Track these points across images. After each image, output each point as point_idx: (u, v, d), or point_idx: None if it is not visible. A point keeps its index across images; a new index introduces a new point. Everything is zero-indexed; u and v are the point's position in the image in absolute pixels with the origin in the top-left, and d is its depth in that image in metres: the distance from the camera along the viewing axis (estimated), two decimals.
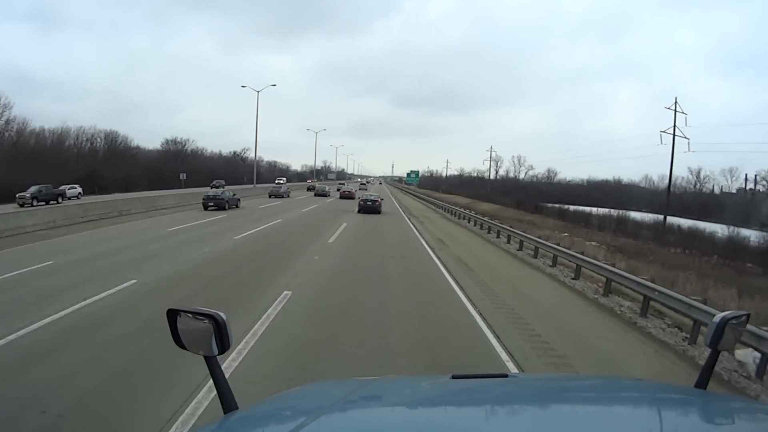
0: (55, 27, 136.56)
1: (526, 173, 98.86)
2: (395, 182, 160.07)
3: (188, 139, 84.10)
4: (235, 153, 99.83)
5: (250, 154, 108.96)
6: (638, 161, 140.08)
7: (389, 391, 1.64)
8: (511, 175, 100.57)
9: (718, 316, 1.53)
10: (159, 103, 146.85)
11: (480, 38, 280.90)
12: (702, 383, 1.52)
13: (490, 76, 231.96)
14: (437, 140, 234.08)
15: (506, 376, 1.82)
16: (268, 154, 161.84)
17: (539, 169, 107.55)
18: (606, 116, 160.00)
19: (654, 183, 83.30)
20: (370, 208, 29.27)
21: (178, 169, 58.36)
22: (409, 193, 78.21)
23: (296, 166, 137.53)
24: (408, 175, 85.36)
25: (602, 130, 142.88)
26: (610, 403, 1.45)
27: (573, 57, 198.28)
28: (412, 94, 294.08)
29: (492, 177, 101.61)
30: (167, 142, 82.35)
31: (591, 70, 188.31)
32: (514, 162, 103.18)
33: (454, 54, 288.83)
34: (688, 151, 45.93)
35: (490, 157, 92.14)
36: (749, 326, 5.21)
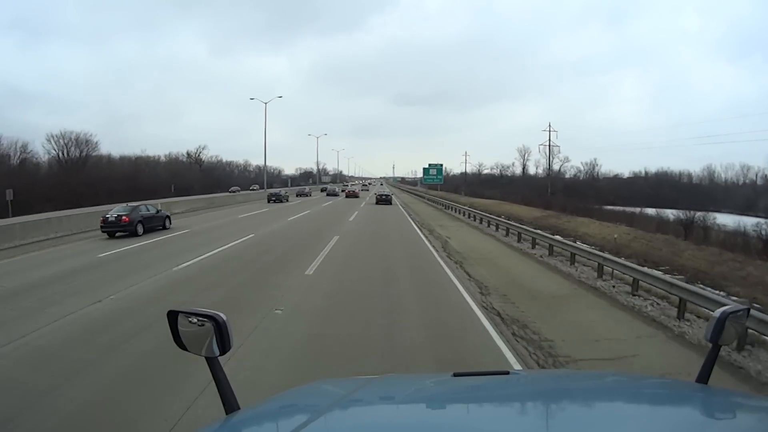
0: (40, 37, 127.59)
1: (560, 166, 79.68)
2: (398, 183, 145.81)
3: (91, 136, 60.66)
4: (188, 154, 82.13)
5: (209, 154, 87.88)
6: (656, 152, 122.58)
7: (391, 390, 1.61)
8: (542, 168, 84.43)
9: (719, 310, 1.50)
10: (151, 111, 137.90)
11: (480, 30, 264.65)
12: (703, 378, 1.49)
13: (492, 69, 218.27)
14: (440, 139, 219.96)
15: (507, 373, 1.71)
16: (258, 158, 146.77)
17: (574, 161, 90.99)
18: (614, 106, 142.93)
19: (718, 174, 67.42)
20: (384, 200, 40.33)
21: (72, 183, 42.21)
22: (425, 200, 50.75)
23: (291, 169, 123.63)
24: (426, 171, 49.72)
25: (606, 120, 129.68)
26: (612, 400, 1.44)
27: (578, 44, 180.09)
28: (411, 93, 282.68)
29: (520, 173, 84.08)
30: (55, 143, 56.19)
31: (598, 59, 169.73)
32: (546, 153, 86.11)
33: (454, 48, 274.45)
34: None
35: (549, 142, 65.71)
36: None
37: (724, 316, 1.47)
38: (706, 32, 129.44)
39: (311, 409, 1.24)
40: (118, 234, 17.82)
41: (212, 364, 1.41)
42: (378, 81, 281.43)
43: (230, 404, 1.40)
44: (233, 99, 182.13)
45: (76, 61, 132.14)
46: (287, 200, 44.11)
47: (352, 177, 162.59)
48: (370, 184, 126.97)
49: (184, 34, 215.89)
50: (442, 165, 50.70)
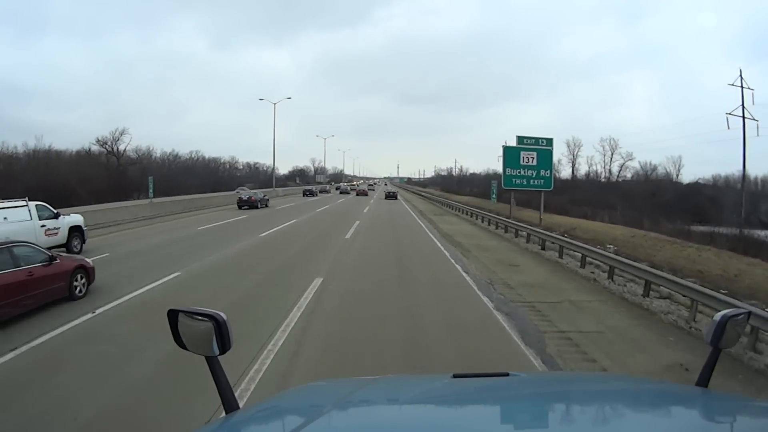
0: (36, 31, 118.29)
1: (622, 166, 63.00)
2: (403, 184, 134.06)
3: None
4: (99, 141, 58.38)
5: (135, 144, 67.72)
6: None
7: (390, 391, 1.59)
8: (596, 168, 65.67)
9: (719, 314, 1.47)
10: (152, 109, 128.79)
11: (490, 24, 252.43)
12: (703, 381, 1.47)
13: (503, 66, 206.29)
14: (445, 140, 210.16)
15: (507, 375, 1.68)
16: (254, 156, 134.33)
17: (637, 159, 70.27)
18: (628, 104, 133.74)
19: None
20: (391, 196, 51.68)
21: None
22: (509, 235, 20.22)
23: (287, 168, 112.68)
24: (511, 158, 23.59)
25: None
26: (612, 402, 1.41)
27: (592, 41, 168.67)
28: (417, 91, 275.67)
29: (568, 175, 64.72)
30: None
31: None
32: (604, 148, 64.14)
33: (463, 44, 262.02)
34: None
35: (743, 109, 36.29)
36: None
37: (725, 320, 1.43)
38: (723, 31, 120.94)
39: (310, 409, 1.24)
40: (244, 207, 31.36)
41: (212, 363, 1.40)
42: (383, 78, 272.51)
43: (230, 404, 1.40)
44: (234, 96, 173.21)
45: (74, 57, 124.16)
46: (317, 195, 56.46)
47: (354, 176, 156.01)
48: (375, 184, 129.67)
49: (183, 28, 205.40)
50: (551, 144, 24.14)
